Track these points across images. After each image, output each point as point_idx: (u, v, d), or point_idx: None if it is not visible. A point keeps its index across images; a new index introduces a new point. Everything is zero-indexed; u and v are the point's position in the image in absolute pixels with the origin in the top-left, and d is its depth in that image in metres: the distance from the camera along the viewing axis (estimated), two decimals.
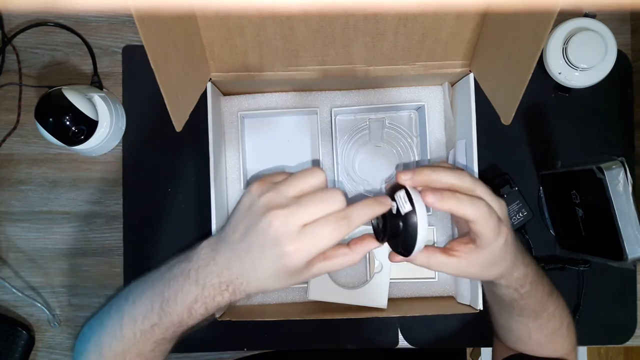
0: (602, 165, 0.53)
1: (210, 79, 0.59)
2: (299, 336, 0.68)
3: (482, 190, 0.43)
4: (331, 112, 0.65)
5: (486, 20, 0.53)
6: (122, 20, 0.69)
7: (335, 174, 0.65)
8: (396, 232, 0.42)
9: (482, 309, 0.58)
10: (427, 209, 0.42)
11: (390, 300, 0.63)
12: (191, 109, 0.55)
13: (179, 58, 0.49)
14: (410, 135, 0.67)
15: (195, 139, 0.66)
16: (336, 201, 0.39)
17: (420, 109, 0.66)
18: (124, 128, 0.68)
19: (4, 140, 0.68)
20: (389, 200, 0.42)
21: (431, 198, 0.41)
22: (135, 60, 0.68)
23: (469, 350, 1.13)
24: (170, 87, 0.47)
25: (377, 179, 0.67)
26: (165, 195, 0.68)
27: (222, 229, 0.43)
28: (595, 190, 0.55)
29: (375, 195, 0.54)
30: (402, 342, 0.68)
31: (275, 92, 0.66)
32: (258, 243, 0.39)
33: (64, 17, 0.68)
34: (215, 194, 0.59)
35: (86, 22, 0.69)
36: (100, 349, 0.46)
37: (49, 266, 0.68)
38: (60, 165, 0.69)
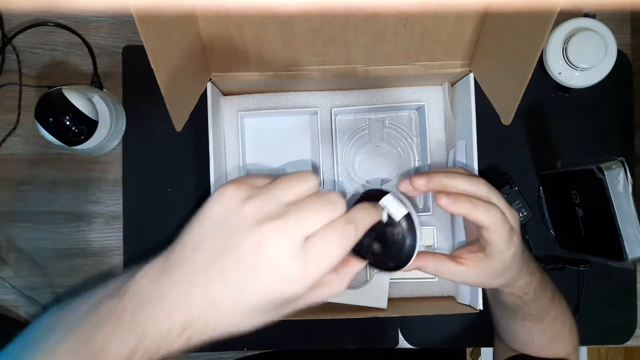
0: (602, 165, 0.53)
1: (210, 79, 0.59)
2: (299, 336, 0.68)
3: (497, 199, 0.43)
4: (331, 112, 0.65)
5: (486, 20, 0.53)
6: (122, 20, 0.69)
7: (335, 174, 0.65)
8: (388, 242, 0.39)
9: (482, 309, 0.58)
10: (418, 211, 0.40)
11: (390, 300, 0.63)
12: (191, 109, 0.55)
13: (179, 58, 0.49)
14: (410, 135, 0.67)
15: (195, 139, 0.67)
16: (338, 205, 0.32)
17: (420, 109, 0.66)
18: (124, 128, 0.68)
19: (4, 140, 0.68)
20: (380, 207, 0.38)
21: (445, 201, 0.40)
22: (135, 60, 0.68)
23: (469, 350, 1.13)
24: (170, 87, 0.47)
25: (377, 179, 0.67)
26: (165, 195, 0.68)
27: (170, 249, 0.32)
28: (595, 190, 0.55)
29: None
30: (402, 342, 0.68)
31: (275, 92, 0.66)
32: (243, 266, 0.30)
33: (64, 17, 0.68)
34: None
35: (86, 22, 0.69)
36: None
37: (49, 266, 0.68)
38: (60, 165, 0.69)
